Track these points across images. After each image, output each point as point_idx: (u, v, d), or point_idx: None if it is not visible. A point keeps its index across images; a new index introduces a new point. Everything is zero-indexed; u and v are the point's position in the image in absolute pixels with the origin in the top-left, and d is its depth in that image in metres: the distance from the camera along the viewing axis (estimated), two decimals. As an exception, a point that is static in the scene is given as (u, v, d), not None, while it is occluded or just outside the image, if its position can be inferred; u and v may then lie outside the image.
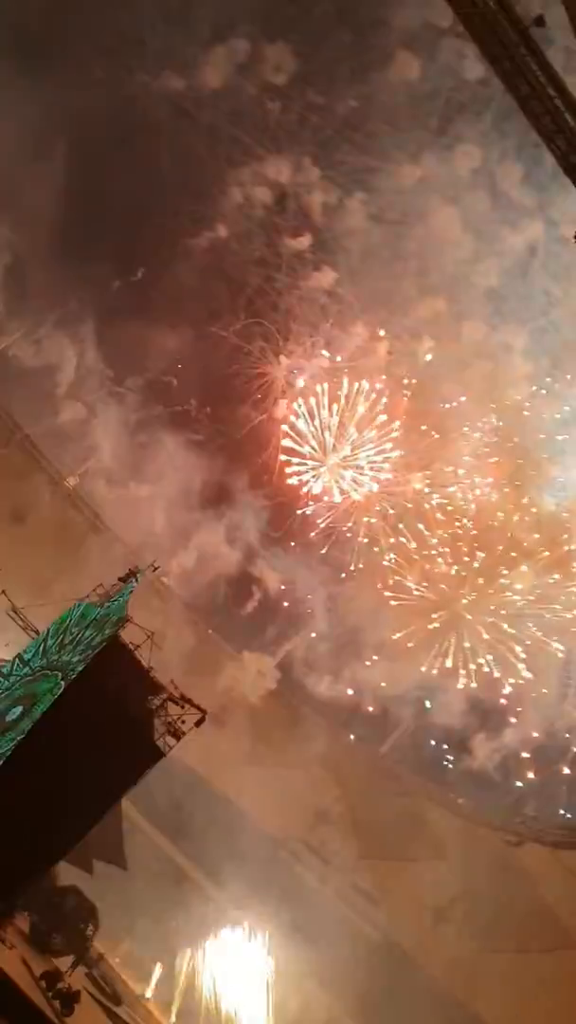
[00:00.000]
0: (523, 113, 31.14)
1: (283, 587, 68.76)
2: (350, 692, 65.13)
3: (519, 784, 62.81)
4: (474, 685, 64.65)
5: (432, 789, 64.04)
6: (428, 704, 64.69)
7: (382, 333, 68.98)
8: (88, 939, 40.85)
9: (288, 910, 54.74)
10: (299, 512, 70.02)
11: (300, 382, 70.64)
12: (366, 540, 69.43)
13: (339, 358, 69.70)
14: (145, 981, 49.70)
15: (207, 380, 70.53)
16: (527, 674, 63.96)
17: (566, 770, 62.23)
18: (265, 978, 52.76)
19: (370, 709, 65.42)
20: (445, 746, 65.58)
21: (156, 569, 40.40)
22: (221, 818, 57.73)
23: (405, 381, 69.09)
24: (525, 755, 62.52)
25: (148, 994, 49.12)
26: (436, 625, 66.56)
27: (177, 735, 34.67)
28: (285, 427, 70.75)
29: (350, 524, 69.85)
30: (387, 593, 67.79)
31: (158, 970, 50.59)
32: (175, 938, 52.16)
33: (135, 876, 50.77)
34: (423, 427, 68.39)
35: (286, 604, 69.03)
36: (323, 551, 69.96)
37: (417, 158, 64.27)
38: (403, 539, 68.33)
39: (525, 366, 65.39)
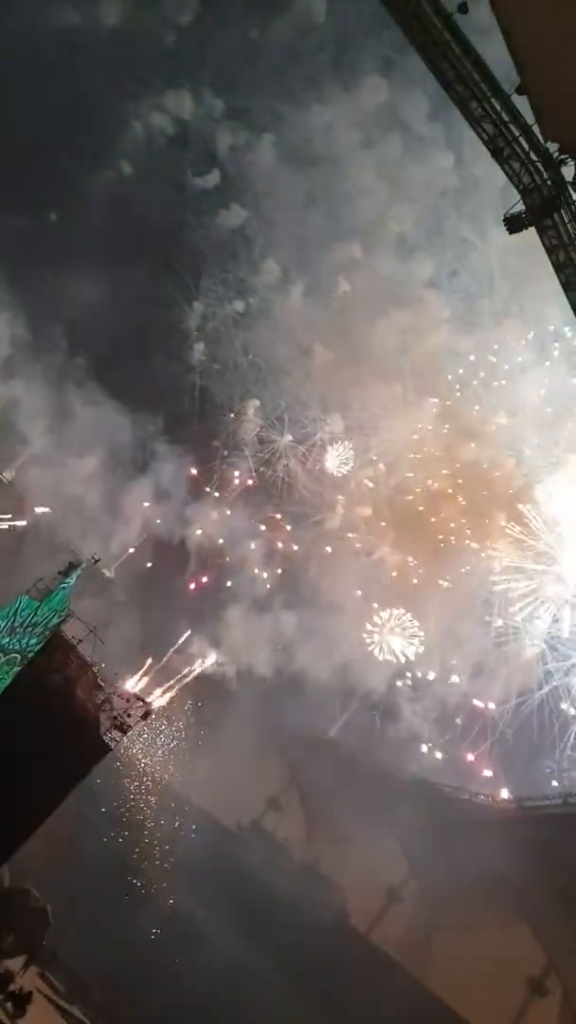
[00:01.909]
0: (449, 97, 31.33)
1: (219, 542, 68.37)
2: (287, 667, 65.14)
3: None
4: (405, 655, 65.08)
5: (377, 767, 64.57)
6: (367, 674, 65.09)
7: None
8: (40, 938, 40.39)
9: (241, 897, 54.74)
10: (223, 461, 69.48)
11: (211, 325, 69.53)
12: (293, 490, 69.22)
13: (252, 300, 68.93)
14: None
15: (121, 331, 67.56)
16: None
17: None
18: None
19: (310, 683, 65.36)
20: (379, 715, 65.96)
21: (97, 562, 40.04)
22: (172, 809, 57.49)
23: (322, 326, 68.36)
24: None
25: None
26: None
27: (123, 729, 34.47)
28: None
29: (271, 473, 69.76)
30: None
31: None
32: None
33: (87, 871, 50.38)
34: (341, 372, 67.83)
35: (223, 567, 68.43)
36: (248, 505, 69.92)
37: (322, 94, 64.40)
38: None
39: (442, 311, 65.58)
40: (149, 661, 58.88)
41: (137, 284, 67.70)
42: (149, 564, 67.79)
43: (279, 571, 68.49)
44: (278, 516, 69.61)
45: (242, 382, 70.16)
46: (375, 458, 68.12)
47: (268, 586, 67.75)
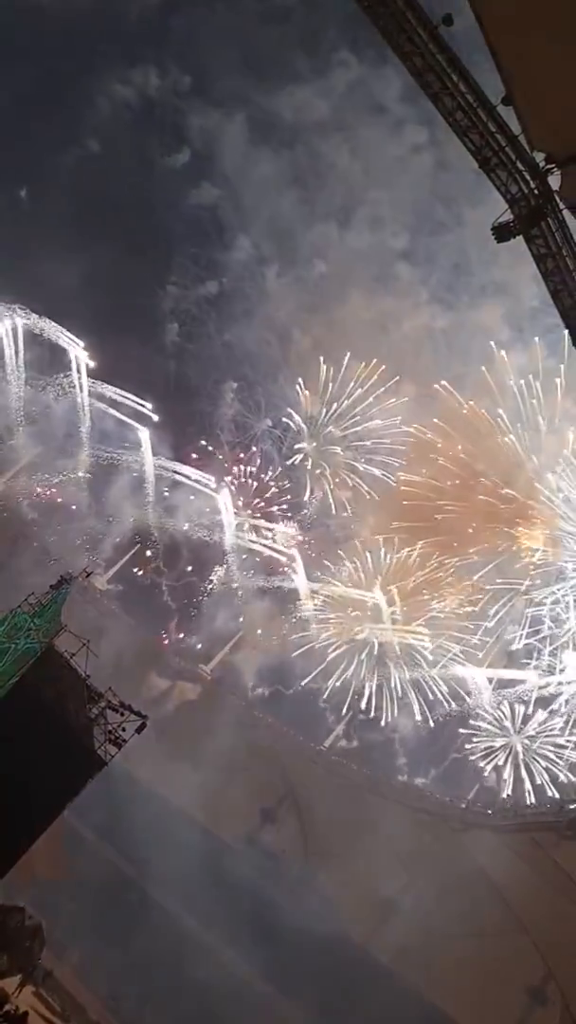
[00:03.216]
0: (436, 109, 31.46)
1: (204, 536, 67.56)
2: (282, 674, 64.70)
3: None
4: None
5: (372, 776, 64.30)
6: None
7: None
8: (35, 957, 40.06)
9: (240, 911, 54.45)
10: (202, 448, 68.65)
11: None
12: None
13: (225, 281, 68.35)
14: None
15: (95, 315, 66.16)
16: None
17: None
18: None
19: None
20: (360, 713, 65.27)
21: (89, 575, 39.82)
22: (166, 823, 57.16)
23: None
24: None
25: None
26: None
27: (118, 743, 34.21)
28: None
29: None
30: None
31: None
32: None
33: (82, 888, 50.04)
34: (319, 354, 66.65)
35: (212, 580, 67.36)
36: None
37: (292, 71, 63.96)
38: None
39: (419, 292, 65.39)
40: (144, 671, 58.89)
41: (107, 264, 66.20)
42: (139, 571, 67.40)
43: (267, 566, 68.04)
44: (261, 504, 68.69)
45: (217, 365, 69.41)
46: (356, 442, 67.36)
47: (257, 582, 67.46)
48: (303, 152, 65.72)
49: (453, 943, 56.22)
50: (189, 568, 69.04)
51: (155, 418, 65.86)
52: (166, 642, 66.98)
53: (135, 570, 66.37)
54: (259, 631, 67.20)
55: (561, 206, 30.89)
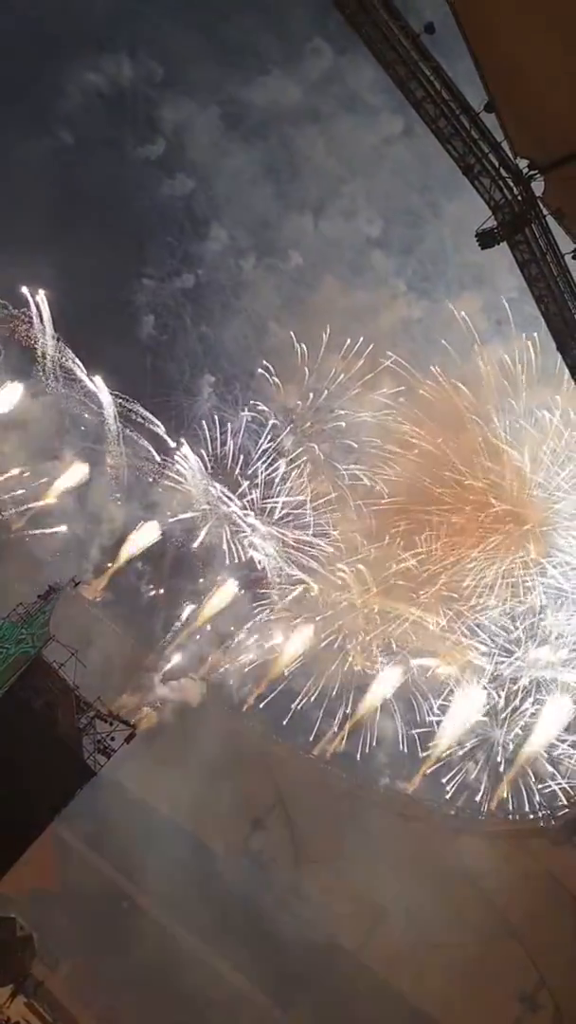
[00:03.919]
0: (419, 116, 31.64)
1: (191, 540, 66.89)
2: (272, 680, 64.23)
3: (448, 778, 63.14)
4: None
5: (366, 786, 64.14)
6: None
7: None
8: (26, 967, 39.87)
9: (231, 920, 54.32)
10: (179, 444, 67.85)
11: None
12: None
13: (200, 273, 67.64)
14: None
15: (71, 313, 64.87)
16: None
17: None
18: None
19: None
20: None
21: (77, 584, 39.73)
22: (156, 832, 57.00)
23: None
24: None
25: None
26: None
27: (107, 753, 34.18)
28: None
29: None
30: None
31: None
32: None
33: (72, 898, 49.83)
34: (296, 346, 65.01)
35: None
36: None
37: (268, 63, 62.89)
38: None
39: (397, 282, 65.09)
40: (132, 680, 58.66)
41: (80, 257, 63.79)
42: (127, 576, 67.06)
43: (250, 567, 67.58)
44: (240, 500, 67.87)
45: (194, 358, 68.74)
46: (335, 438, 66.82)
47: (239, 583, 67.06)
48: (277, 142, 65.28)
49: (445, 950, 56.19)
50: (173, 572, 68.54)
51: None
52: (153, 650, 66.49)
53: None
54: (243, 635, 66.87)
55: (544, 212, 31.07)
